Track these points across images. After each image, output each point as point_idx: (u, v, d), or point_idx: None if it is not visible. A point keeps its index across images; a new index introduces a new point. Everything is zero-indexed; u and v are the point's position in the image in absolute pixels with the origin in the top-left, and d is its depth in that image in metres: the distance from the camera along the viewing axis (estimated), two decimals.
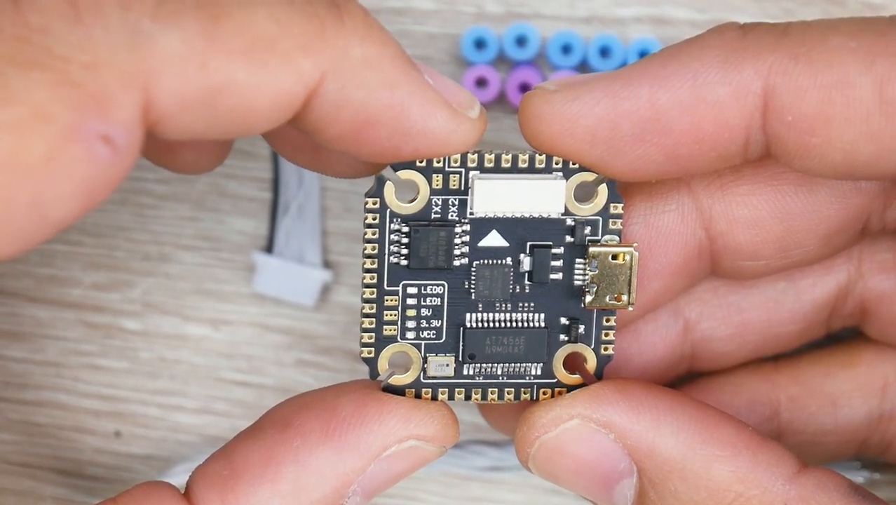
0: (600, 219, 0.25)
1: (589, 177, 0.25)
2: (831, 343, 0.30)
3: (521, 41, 0.32)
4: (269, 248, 0.32)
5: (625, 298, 0.25)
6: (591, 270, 0.25)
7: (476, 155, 0.24)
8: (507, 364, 0.25)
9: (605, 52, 0.32)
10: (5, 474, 0.33)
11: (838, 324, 0.29)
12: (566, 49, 0.32)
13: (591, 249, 0.25)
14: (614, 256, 0.25)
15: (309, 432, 0.24)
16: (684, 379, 0.30)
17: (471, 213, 0.25)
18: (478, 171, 0.24)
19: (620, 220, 0.25)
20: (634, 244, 0.25)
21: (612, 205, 0.25)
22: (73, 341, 0.33)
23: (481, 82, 0.32)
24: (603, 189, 0.25)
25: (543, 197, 0.24)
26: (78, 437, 0.33)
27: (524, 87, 0.31)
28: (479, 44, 0.32)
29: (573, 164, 0.24)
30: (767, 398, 0.29)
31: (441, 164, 0.24)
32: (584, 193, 0.25)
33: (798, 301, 0.29)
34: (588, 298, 0.25)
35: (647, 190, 0.27)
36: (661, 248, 0.26)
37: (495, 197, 0.24)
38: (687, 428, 0.24)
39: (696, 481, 0.24)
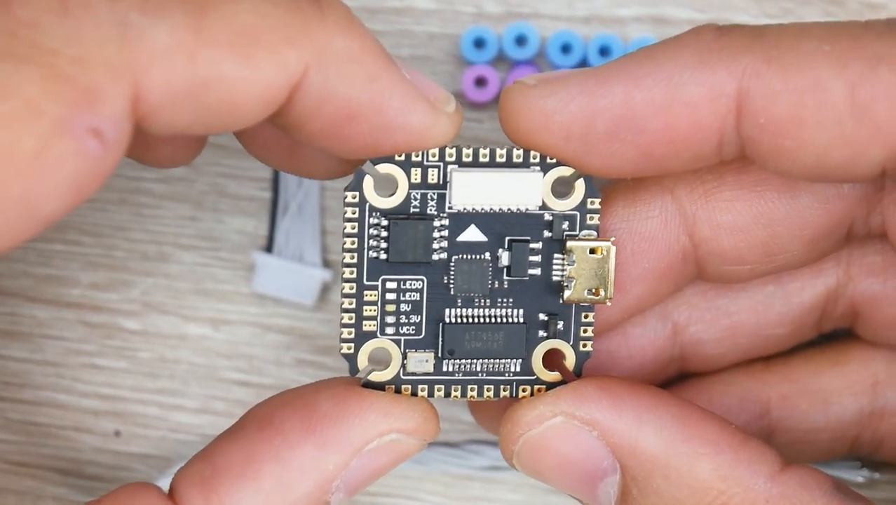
0: (578, 214, 0.25)
1: (566, 172, 0.25)
2: (822, 342, 0.30)
3: (520, 41, 0.32)
4: (268, 247, 0.32)
5: (603, 292, 0.25)
6: (568, 265, 0.25)
7: (454, 149, 0.24)
8: (487, 360, 0.25)
9: (604, 51, 0.32)
10: (5, 474, 0.33)
11: (829, 326, 0.29)
12: (566, 49, 0.31)
13: (569, 244, 0.25)
14: (592, 251, 0.25)
15: (289, 430, 0.24)
16: (674, 379, 0.30)
17: (449, 207, 0.25)
18: (456, 165, 0.24)
19: (598, 215, 0.25)
20: (612, 238, 0.25)
21: (589, 200, 0.25)
22: (72, 341, 0.33)
23: (481, 82, 0.32)
24: (580, 184, 0.25)
25: (521, 190, 0.25)
26: (77, 436, 0.33)
27: None
28: (479, 43, 0.32)
29: (550, 159, 0.25)
30: (758, 396, 0.29)
31: (420, 159, 0.24)
32: (561, 189, 0.25)
33: (787, 304, 0.29)
34: (566, 293, 0.25)
35: (630, 195, 0.27)
36: (644, 253, 0.27)
37: (473, 190, 0.24)
38: (670, 426, 0.24)
39: (679, 479, 0.24)
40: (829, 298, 0.29)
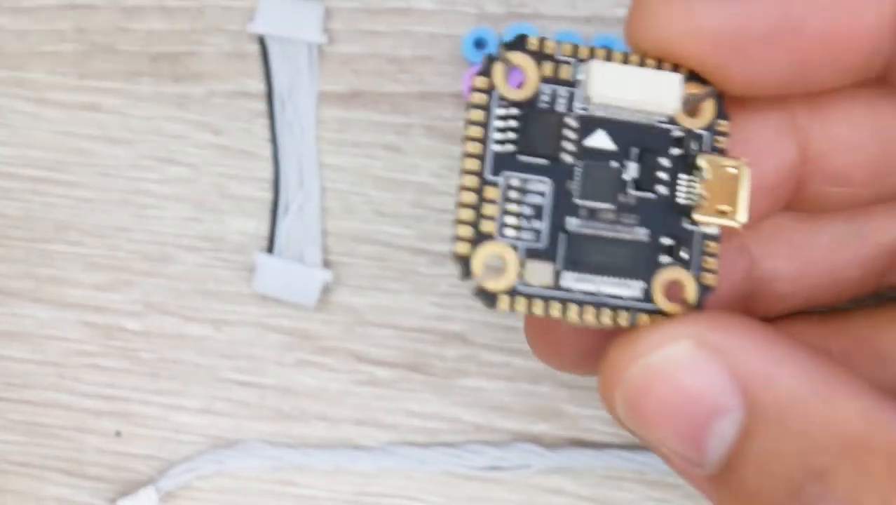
0: (705, 134, 0.24)
1: (696, 89, 0.23)
2: (881, 302, 0.29)
3: None
4: (269, 248, 0.32)
5: (735, 214, 0.23)
6: (700, 179, 0.23)
7: (587, 48, 0.23)
8: (608, 277, 0.23)
9: None
10: (6, 474, 0.33)
11: (892, 278, 0.28)
12: None
13: (701, 158, 0.23)
14: (725, 168, 0.23)
15: None
16: None
17: (582, 100, 0.23)
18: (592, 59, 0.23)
19: (726, 139, 0.24)
20: (745, 160, 0.23)
21: (718, 122, 0.24)
22: (73, 342, 0.33)
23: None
24: (710, 104, 0.23)
25: (659, 90, 0.23)
26: (79, 437, 0.33)
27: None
28: (480, 44, 0.32)
29: (681, 72, 0.23)
30: (819, 348, 0.27)
31: (552, 52, 0.23)
32: (689, 110, 0.24)
33: (864, 244, 0.27)
34: (697, 211, 0.23)
35: (745, 105, 0.25)
36: (756, 163, 0.25)
37: (612, 82, 0.23)
38: (808, 363, 0.22)
39: (818, 416, 0.22)
40: None
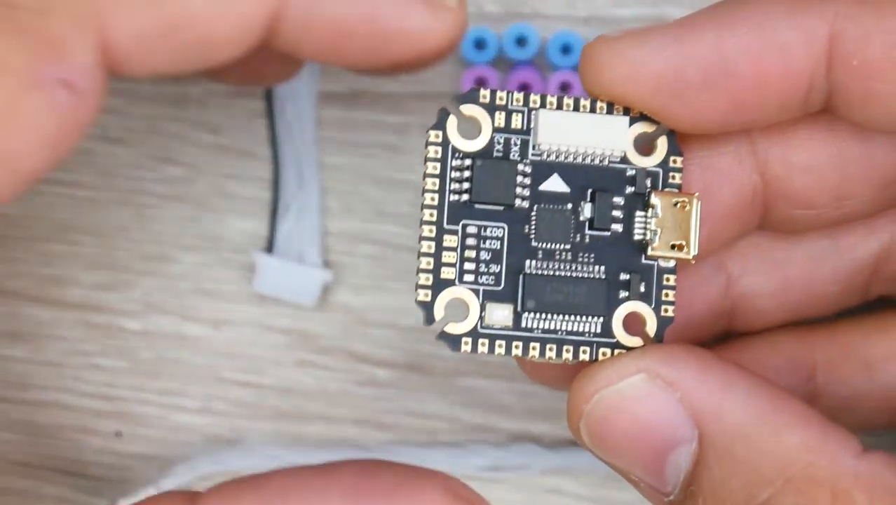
0: (660, 171, 0.25)
1: (649, 128, 0.24)
2: (867, 310, 0.29)
3: (520, 41, 0.32)
4: (269, 248, 0.32)
5: (687, 248, 0.24)
6: (654, 217, 0.24)
7: (538, 96, 0.24)
8: (567, 316, 0.24)
9: None
10: (6, 474, 0.33)
11: (877, 289, 0.29)
12: (566, 49, 0.31)
13: (654, 196, 0.24)
14: (676, 204, 0.24)
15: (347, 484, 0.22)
16: (720, 340, 0.29)
17: (533, 152, 0.24)
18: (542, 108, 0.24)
19: (680, 175, 0.25)
20: (696, 193, 0.24)
21: (672, 158, 0.25)
22: (73, 341, 0.33)
23: (481, 83, 0.32)
24: (663, 141, 0.24)
25: (607, 134, 0.24)
26: (79, 437, 0.33)
27: (523, 88, 0.32)
28: (479, 44, 0.32)
29: (634, 113, 0.24)
30: (804, 359, 0.28)
31: (504, 102, 0.24)
32: (643, 148, 0.25)
33: (840, 260, 0.28)
34: (651, 247, 0.24)
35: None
36: (715, 190, 0.26)
37: (559, 130, 0.24)
38: (757, 395, 0.23)
39: (764, 448, 0.22)
40: (881, 256, 0.28)
